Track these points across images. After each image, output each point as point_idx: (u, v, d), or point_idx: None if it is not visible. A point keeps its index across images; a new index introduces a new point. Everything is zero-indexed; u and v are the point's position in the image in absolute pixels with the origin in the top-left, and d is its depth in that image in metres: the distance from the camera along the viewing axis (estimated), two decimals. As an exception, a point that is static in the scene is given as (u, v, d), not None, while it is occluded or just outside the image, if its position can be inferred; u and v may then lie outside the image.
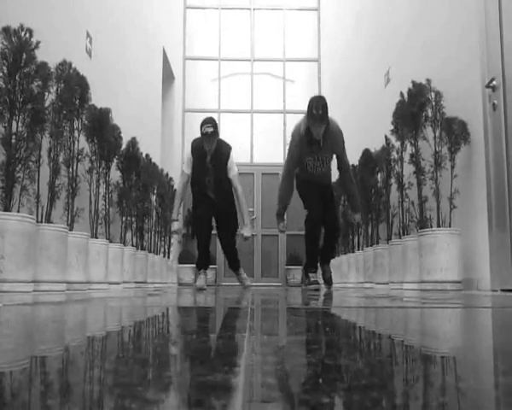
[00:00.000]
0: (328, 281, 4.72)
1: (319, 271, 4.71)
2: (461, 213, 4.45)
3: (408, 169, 5.22)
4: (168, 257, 9.06)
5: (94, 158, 4.99)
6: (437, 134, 4.57)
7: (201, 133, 4.57)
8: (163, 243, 8.64)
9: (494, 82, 4.10)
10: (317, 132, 4.09)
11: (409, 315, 1.51)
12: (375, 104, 7.50)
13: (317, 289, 4.41)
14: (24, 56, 3.38)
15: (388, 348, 0.79)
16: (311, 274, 4.51)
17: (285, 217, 4.70)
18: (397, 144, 5.51)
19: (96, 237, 4.92)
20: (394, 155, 5.73)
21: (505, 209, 3.93)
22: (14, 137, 3.36)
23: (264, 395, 0.44)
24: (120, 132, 5.47)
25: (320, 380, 0.50)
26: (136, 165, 6.15)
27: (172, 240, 9.36)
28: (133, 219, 6.35)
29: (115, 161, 5.60)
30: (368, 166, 6.42)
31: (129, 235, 6.34)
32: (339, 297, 2.86)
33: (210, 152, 4.68)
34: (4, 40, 3.33)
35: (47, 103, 3.75)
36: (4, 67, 3.31)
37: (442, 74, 4.88)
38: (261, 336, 0.90)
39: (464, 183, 4.46)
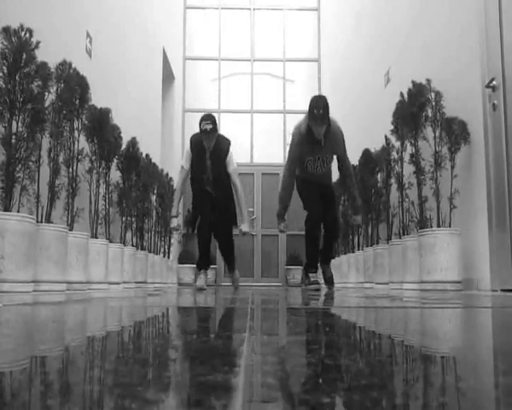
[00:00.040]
0: (329, 281, 4.71)
1: (319, 271, 4.71)
2: (461, 213, 4.45)
3: (408, 169, 5.22)
4: (168, 257, 9.06)
5: (94, 158, 4.99)
6: (437, 134, 4.57)
7: (200, 130, 4.55)
8: (163, 243, 8.64)
9: (494, 82, 4.10)
10: (318, 132, 4.09)
11: (409, 315, 1.51)
12: (375, 104, 7.50)
13: (318, 289, 4.40)
14: (24, 56, 3.38)
15: (388, 348, 0.79)
16: (311, 274, 4.51)
17: (285, 217, 4.70)
18: (397, 144, 5.51)
19: (96, 237, 4.92)
20: (394, 155, 5.73)
21: (505, 209, 3.93)
22: (14, 137, 3.36)
23: (264, 395, 0.44)
24: (120, 132, 5.47)
25: (320, 380, 0.50)
26: (136, 165, 6.15)
27: (172, 240, 9.36)
28: (133, 219, 6.35)
29: (115, 161, 5.60)
30: (368, 166, 6.42)
31: (129, 235, 6.34)
32: (339, 297, 2.86)
33: (209, 149, 4.67)
34: (4, 40, 3.33)
35: (47, 103, 3.75)
36: (4, 67, 3.31)
37: (442, 74, 4.88)
38: (261, 336, 0.90)
39: (464, 183, 4.46)
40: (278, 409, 0.40)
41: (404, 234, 5.36)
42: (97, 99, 4.95)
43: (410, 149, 5.00)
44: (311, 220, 4.44)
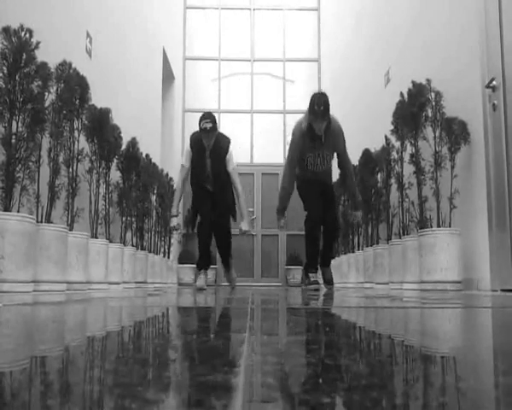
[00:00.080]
0: (329, 282, 4.72)
1: (319, 271, 4.71)
2: (461, 213, 4.45)
3: (408, 169, 5.22)
4: (168, 257, 9.06)
5: (94, 158, 4.99)
6: (437, 134, 4.57)
7: (200, 128, 4.55)
8: (163, 243, 8.64)
9: (494, 82, 4.10)
10: (318, 128, 4.12)
11: (409, 315, 1.51)
12: (375, 104, 7.50)
13: (317, 289, 4.40)
14: (24, 56, 3.38)
15: (388, 348, 0.79)
16: (311, 274, 4.51)
17: (285, 213, 4.71)
18: (397, 144, 5.51)
19: (96, 237, 4.92)
20: (394, 155, 5.73)
21: (505, 209, 3.93)
22: (14, 137, 3.36)
23: (264, 395, 0.44)
24: (120, 132, 5.47)
25: (320, 380, 0.50)
26: (136, 165, 6.15)
27: (172, 240, 9.36)
28: (133, 219, 6.35)
29: (115, 161, 5.60)
30: (368, 166, 6.42)
31: (129, 235, 6.34)
32: (339, 297, 2.86)
33: (209, 147, 4.67)
34: (4, 40, 3.33)
35: (47, 103, 3.75)
36: (4, 67, 3.31)
37: (442, 74, 4.88)
38: (261, 336, 0.90)
39: (464, 183, 4.46)
40: (278, 409, 0.40)
41: (404, 234, 5.36)
42: (97, 99, 4.94)
43: (410, 149, 5.00)
44: (310, 220, 4.44)
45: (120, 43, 6.72)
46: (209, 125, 4.49)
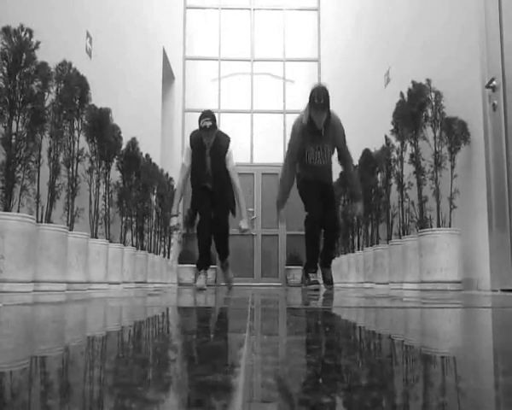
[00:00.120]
0: (329, 282, 4.72)
1: (319, 271, 4.71)
2: (461, 213, 4.45)
3: (408, 169, 5.22)
4: (168, 257, 9.06)
5: (94, 158, 4.99)
6: (437, 134, 4.57)
7: (200, 127, 4.56)
8: (163, 243, 8.64)
9: (494, 82, 4.10)
10: (318, 120, 4.16)
11: (409, 315, 1.51)
12: (375, 104, 7.50)
13: (317, 289, 4.40)
14: (24, 56, 3.38)
15: (388, 348, 0.79)
16: (311, 274, 4.51)
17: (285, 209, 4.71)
18: (397, 144, 5.51)
19: (96, 237, 4.92)
20: (394, 155, 5.73)
21: (505, 209, 3.93)
22: (14, 137, 3.36)
23: (264, 395, 0.44)
24: (120, 132, 5.47)
25: (320, 380, 0.50)
26: (136, 165, 6.16)
27: (172, 240, 9.36)
28: (133, 219, 6.35)
29: (115, 161, 5.60)
30: (368, 166, 6.42)
31: (129, 235, 6.34)
32: (339, 297, 2.86)
33: (209, 145, 4.67)
34: (4, 40, 3.33)
35: (47, 103, 3.75)
36: (4, 67, 3.31)
37: (442, 74, 4.88)
38: (261, 336, 0.90)
39: (464, 183, 4.46)
40: (278, 409, 0.40)
41: (404, 234, 5.36)
42: (97, 99, 4.94)
43: (410, 149, 5.00)
44: (310, 220, 4.44)
45: (120, 43, 6.72)
46: (209, 124, 4.49)
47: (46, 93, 3.67)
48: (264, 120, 12.01)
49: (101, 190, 5.24)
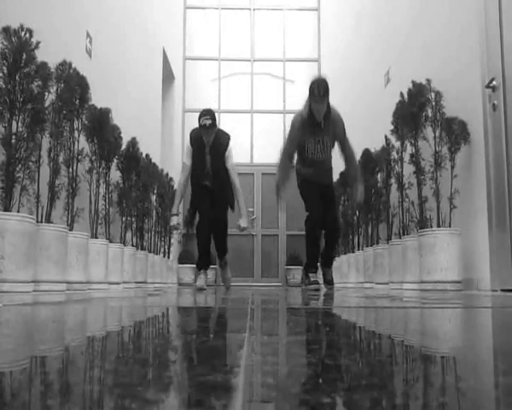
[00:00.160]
0: (330, 282, 4.72)
1: (319, 271, 4.71)
2: (461, 213, 4.45)
3: (408, 169, 5.22)
4: (168, 257, 9.06)
5: (94, 158, 4.99)
6: (437, 134, 4.57)
7: (200, 125, 4.56)
8: (163, 243, 8.64)
9: (494, 82, 4.10)
10: (318, 111, 4.19)
11: (409, 315, 1.51)
12: (375, 104, 7.50)
13: (317, 290, 4.41)
14: (24, 56, 3.38)
15: (388, 348, 0.79)
16: (311, 274, 4.51)
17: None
18: (397, 144, 5.51)
19: (96, 237, 4.92)
20: (394, 155, 5.73)
21: (505, 209, 3.93)
22: (14, 137, 3.36)
23: (264, 395, 0.44)
24: (120, 132, 5.47)
25: (320, 380, 0.50)
26: (136, 165, 6.16)
27: (172, 240, 9.36)
28: (133, 219, 6.35)
29: (115, 161, 5.60)
30: (368, 166, 6.41)
31: (129, 235, 6.34)
32: (339, 297, 2.86)
33: (208, 143, 4.68)
34: (4, 40, 3.33)
35: (47, 103, 3.75)
36: (4, 67, 3.31)
37: (442, 74, 4.88)
38: (261, 336, 0.90)
39: (464, 183, 4.46)
40: (278, 409, 0.40)
41: (404, 234, 5.36)
42: (97, 99, 4.94)
43: (410, 149, 5.00)
44: (311, 220, 4.44)
45: (120, 43, 6.72)
46: (208, 122, 4.50)
47: (46, 93, 3.67)
48: (264, 120, 12.00)
49: (101, 190, 5.24)
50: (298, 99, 11.54)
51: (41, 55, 3.57)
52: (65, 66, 4.15)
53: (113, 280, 5.23)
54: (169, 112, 10.67)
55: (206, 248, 4.83)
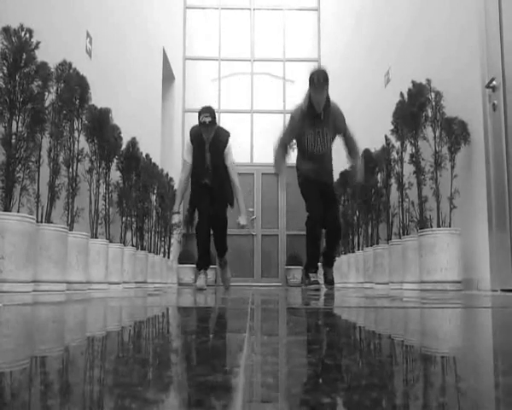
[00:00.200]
0: (330, 282, 4.73)
1: (320, 271, 4.71)
2: (461, 213, 4.45)
3: (408, 169, 5.22)
4: (168, 257, 9.06)
5: (94, 158, 4.99)
6: (437, 134, 4.57)
7: (199, 123, 4.58)
8: (163, 243, 8.64)
9: (494, 82, 4.10)
10: (317, 103, 4.23)
11: (409, 315, 1.51)
12: (375, 104, 7.50)
13: (318, 290, 4.40)
14: (24, 56, 3.38)
15: (388, 348, 0.79)
16: (311, 274, 4.51)
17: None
18: (397, 144, 5.51)
19: (96, 237, 4.92)
20: (394, 155, 5.73)
21: (505, 209, 3.93)
22: (14, 137, 3.36)
23: (264, 395, 0.44)
24: (120, 132, 5.47)
25: (320, 380, 0.50)
26: (136, 165, 6.16)
27: (172, 240, 9.36)
28: (133, 219, 6.35)
29: (115, 161, 5.60)
30: (368, 166, 6.41)
31: (129, 235, 6.34)
32: (339, 297, 2.86)
33: (208, 140, 4.69)
34: (4, 40, 3.33)
35: (47, 103, 3.75)
36: (4, 67, 3.31)
37: (442, 74, 4.88)
38: (261, 337, 0.90)
39: (464, 183, 4.46)
40: (278, 409, 0.40)
41: (404, 234, 5.36)
42: (97, 99, 4.95)
43: (410, 149, 5.00)
44: (311, 220, 4.44)
45: (120, 43, 6.72)
46: (208, 120, 4.52)
47: (46, 93, 3.67)
48: (264, 119, 12.00)
49: (101, 190, 5.24)
50: (298, 99, 11.53)
51: (41, 55, 3.57)
52: (65, 66, 4.15)
53: (113, 280, 5.23)
54: (169, 112, 10.67)
55: (205, 248, 4.83)
